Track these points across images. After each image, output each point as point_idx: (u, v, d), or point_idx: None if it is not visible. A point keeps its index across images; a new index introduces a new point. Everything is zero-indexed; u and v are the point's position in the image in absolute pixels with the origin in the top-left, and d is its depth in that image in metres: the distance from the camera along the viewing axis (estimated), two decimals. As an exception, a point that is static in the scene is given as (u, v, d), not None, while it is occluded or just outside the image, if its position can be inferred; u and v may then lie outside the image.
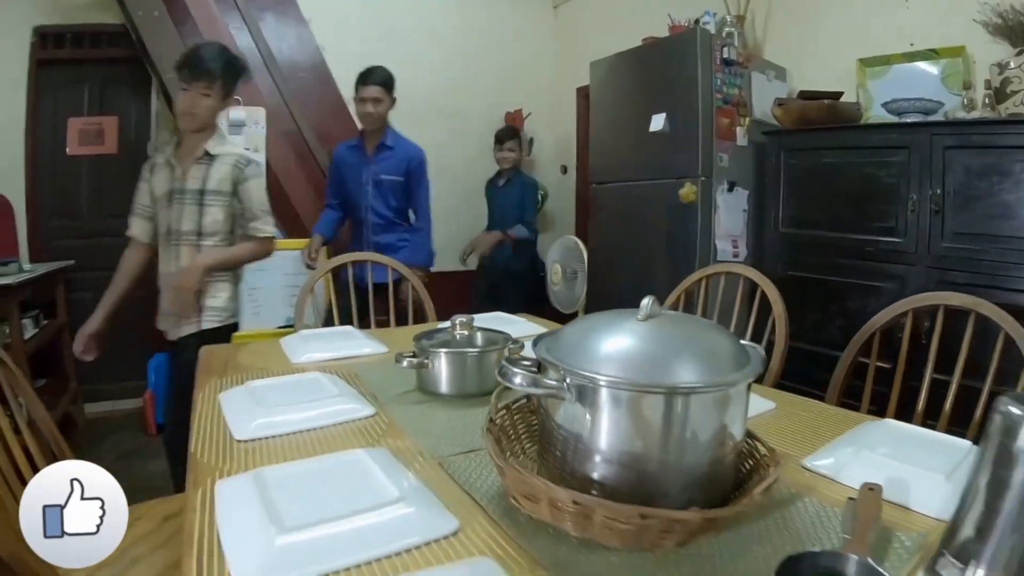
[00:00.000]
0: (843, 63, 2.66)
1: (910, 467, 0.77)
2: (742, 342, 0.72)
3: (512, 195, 3.32)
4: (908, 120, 2.25)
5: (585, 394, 0.64)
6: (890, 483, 0.70)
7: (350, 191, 2.61)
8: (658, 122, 2.53)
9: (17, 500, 0.73)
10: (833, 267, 2.33)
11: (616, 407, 0.63)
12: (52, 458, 1.10)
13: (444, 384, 1.12)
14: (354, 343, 1.49)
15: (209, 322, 1.78)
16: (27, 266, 2.56)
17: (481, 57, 3.99)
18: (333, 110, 3.44)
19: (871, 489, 0.66)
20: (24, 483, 0.74)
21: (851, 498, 0.66)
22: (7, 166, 2.91)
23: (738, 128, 2.53)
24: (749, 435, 0.74)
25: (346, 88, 3.45)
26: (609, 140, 2.95)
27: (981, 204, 1.97)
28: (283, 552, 0.59)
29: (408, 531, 0.64)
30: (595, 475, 0.65)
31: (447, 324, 1.26)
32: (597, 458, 0.65)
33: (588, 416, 0.64)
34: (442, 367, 1.12)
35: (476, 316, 1.33)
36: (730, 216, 2.49)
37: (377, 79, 2.52)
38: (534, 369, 0.69)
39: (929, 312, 1.44)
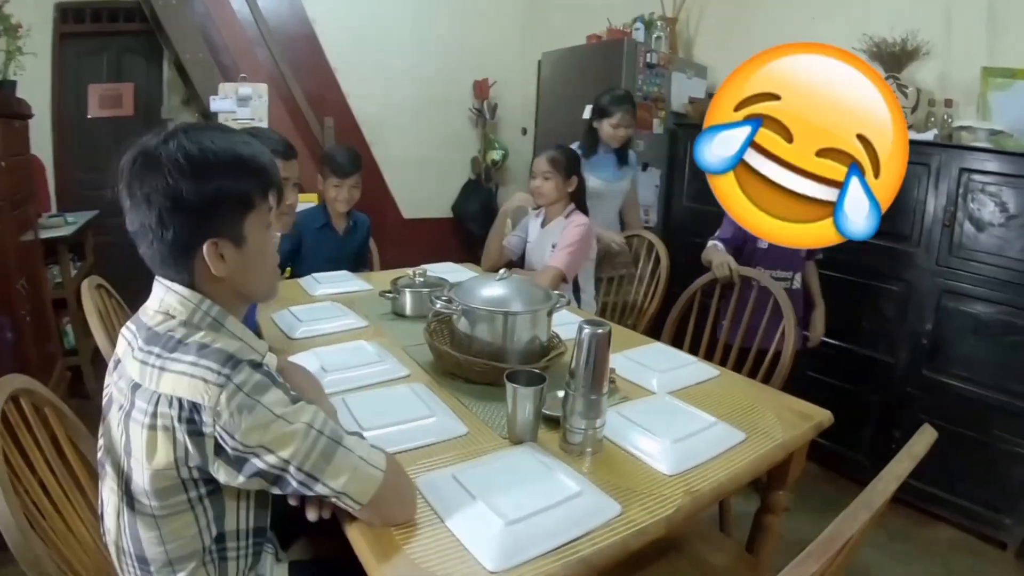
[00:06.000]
0: (754, 66, 3.45)
1: (642, 365, 1.61)
2: (552, 292, 1.61)
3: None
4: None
5: (468, 313, 1.51)
6: (627, 370, 1.58)
7: None
8: (589, 111, 3.35)
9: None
10: (718, 236, 3.20)
11: (481, 320, 1.51)
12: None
13: (408, 309, 2.01)
14: (351, 283, 2.39)
15: None
16: (70, 218, 3.33)
17: (456, 28, 4.72)
18: (323, 79, 4.20)
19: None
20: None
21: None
22: (37, 128, 3.51)
23: (655, 119, 3.36)
24: (555, 335, 1.63)
25: (334, 57, 4.24)
26: (554, 119, 3.79)
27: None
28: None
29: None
30: (473, 351, 1.52)
31: (410, 271, 2.14)
32: (473, 343, 1.52)
33: (469, 324, 1.52)
34: (406, 299, 2.01)
35: (431, 265, 2.27)
36: (643, 191, 3.34)
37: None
38: (447, 300, 1.56)
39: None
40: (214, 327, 0.93)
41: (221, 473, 0.84)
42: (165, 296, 0.94)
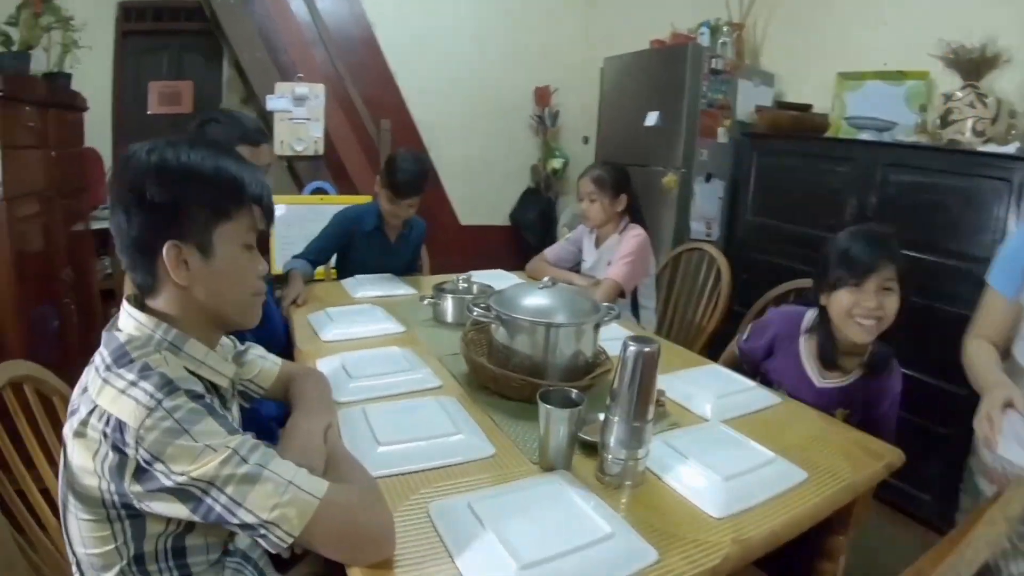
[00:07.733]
0: (826, 74, 3.23)
1: (695, 388, 1.47)
2: (601, 304, 1.48)
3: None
4: (863, 136, 2.80)
5: (507, 323, 1.40)
6: (679, 393, 1.45)
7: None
8: (652, 118, 3.23)
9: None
10: (785, 253, 2.98)
11: (520, 331, 1.39)
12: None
13: (449, 315, 1.93)
14: (396, 286, 2.32)
15: None
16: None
17: (518, 34, 4.64)
18: (382, 81, 4.18)
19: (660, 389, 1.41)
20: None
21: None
22: (97, 123, 3.58)
23: (720, 128, 3.20)
24: (602, 351, 1.50)
25: (394, 60, 4.22)
26: (615, 127, 3.67)
27: (907, 215, 2.48)
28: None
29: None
30: (511, 364, 1.41)
31: (456, 276, 2.07)
32: (512, 356, 1.41)
33: (508, 335, 1.41)
34: (448, 305, 1.92)
35: (480, 272, 2.23)
36: (705, 203, 3.19)
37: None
38: (484, 307, 1.45)
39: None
40: (172, 350, 0.91)
41: (139, 497, 0.79)
42: (126, 321, 0.91)
